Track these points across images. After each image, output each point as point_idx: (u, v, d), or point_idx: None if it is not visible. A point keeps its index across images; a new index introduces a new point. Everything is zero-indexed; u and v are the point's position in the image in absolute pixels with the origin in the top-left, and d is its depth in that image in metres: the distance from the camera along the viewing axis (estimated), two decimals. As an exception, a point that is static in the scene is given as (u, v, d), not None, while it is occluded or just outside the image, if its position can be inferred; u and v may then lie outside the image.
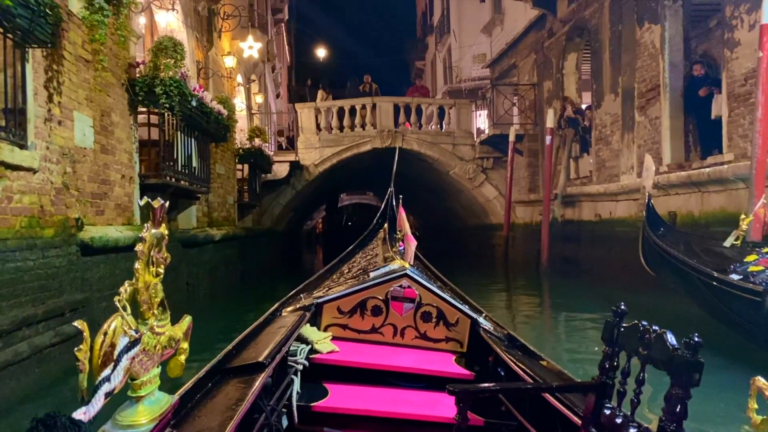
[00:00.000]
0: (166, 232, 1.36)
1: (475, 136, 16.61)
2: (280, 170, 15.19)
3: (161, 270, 1.35)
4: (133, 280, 1.27)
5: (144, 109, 7.02)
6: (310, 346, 3.02)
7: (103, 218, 5.97)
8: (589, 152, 13.02)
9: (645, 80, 9.98)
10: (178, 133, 7.44)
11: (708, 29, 11.66)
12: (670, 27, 9.41)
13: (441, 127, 16.31)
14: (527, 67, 15.64)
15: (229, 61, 10.75)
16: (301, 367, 2.81)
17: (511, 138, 14.43)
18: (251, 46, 11.71)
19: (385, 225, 6.27)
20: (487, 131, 16.07)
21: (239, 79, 13.17)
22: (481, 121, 17.77)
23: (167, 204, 1.43)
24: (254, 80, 15.20)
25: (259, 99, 15.21)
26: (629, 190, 10.19)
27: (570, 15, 12.97)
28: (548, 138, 12.37)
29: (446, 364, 3.16)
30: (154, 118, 7.11)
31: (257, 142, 12.61)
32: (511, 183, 14.85)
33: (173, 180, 7.38)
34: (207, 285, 9.59)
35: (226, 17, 10.87)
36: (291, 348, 2.85)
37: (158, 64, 6.59)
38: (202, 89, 7.76)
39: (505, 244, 15.07)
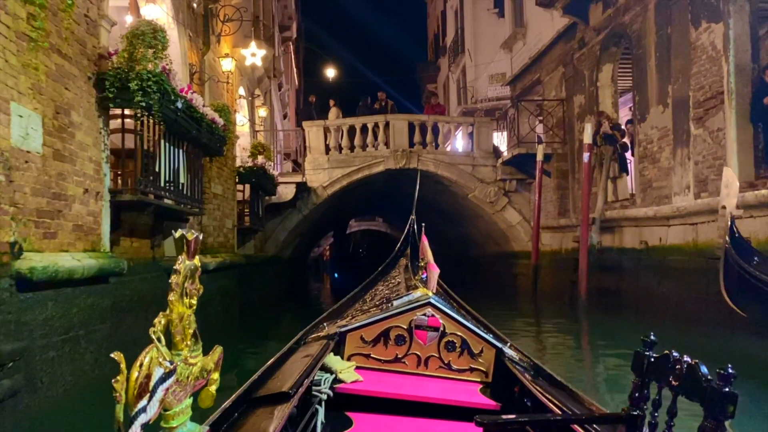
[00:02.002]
0: (200, 264, 1.35)
1: (495, 156, 15.39)
2: (286, 192, 13.94)
3: (194, 301, 1.41)
4: (167, 312, 1.30)
5: (118, 111, 5.80)
6: (334, 376, 2.99)
7: (55, 243, 4.68)
8: (629, 172, 11.77)
9: (703, 87, 8.68)
10: (162, 141, 6.19)
11: (757, 37, 10.51)
12: (735, 25, 8.15)
13: (458, 147, 15.15)
14: (554, 82, 14.42)
15: (227, 65, 9.47)
16: (325, 396, 2.77)
17: (539, 157, 13.15)
18: (254, 53, 10.48)
19: (407, 252, 6.04)
20: (509, 151, 14.83)
21: (241, 91, 11.96)
22: (501, 141, 16.59)
23: (201, 236, 1.44)
24: (258, 95, 14.02)
25: (262, 112, 13.98)
26: (686, 213, 8.82)
27: (605, 22, 11.77)
28: (586, 155, 11.04)
29: (471, 395, 3.11)
30: (131, 123, 5.88)
31: (260, 159, 11.37)
32: (540, 206, 13.51)
33: (154, 197, 6.10)
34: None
35: (226, 20, 9.70)
36: (315, 377, 2.82)
37: (134, 54, 5.35)
38: (191, 90, 6.52)
39: (534, 274, 13.64)
